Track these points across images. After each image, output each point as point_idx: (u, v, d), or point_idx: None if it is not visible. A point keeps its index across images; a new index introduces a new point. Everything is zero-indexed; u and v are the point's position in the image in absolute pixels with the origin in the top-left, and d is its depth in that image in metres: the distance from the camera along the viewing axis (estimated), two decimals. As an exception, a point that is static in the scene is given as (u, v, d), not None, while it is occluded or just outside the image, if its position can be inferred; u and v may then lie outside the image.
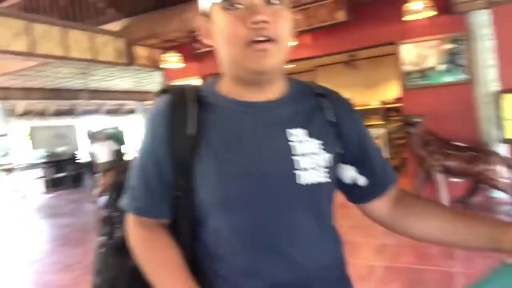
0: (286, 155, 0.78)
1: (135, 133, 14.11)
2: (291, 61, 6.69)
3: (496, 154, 4.23)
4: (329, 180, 0.81)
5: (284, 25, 0.76)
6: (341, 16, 5.15)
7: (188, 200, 0.79)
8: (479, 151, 4.27)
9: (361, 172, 0.89)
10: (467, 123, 4.85)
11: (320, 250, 0.81)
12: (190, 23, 5.80)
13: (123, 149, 9.64)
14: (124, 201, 0.86)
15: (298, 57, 6.11)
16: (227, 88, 0.84)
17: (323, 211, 0.83)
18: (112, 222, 0.97)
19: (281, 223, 0.78)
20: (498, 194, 4.34)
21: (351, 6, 5.22)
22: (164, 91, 0.85)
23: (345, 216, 3.99)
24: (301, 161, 0.78)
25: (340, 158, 0.86)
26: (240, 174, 0.77)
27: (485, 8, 4.76)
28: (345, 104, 0.90)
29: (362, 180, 0.89)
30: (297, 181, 0.77)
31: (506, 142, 4.53)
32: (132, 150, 10.49)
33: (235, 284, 0.78)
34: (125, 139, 13.99)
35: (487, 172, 4.08)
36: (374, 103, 9.53)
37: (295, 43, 5.94)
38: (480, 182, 4.26)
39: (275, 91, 0.83)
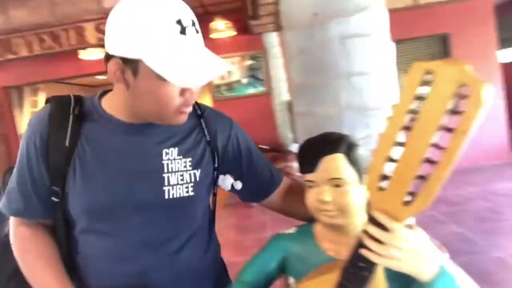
0: (157, 172, 0.86)
1: None
2: (100, 73, 6.46)
3: (292, 152, 5.06)
4: (192, 194, 0.89)
5: (199, 89, 0.85)
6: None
7: (62, 205, 0.85)
8: (279, 151, 5.05)
9: (240, 178, 1.00)
10: (268, 128, 5.64)
11: (179, 257, 0.89)
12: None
13: None
14: (2, 203, 0.90)
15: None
16: (112, 108, 0.88)
17: (189, 222, 0.92)
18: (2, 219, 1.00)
19: (143, 235, 0.86)
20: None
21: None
22: (48, 101, 0.89)
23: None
24: (170, 178, 0.87)
25: (216, 170, 0.96)
26: (105, 188, 0.83)
27: (274, 31, 5.65)
28: (220, 122, 0.99)
29: (238, 185, 1.00)
30: (165, 197, 0.86)
31: (298, 142, 5.47)
32: None
33: (93, 281, 0.87)
34: None
35: (287, 168, 4.85)
36: (191, 114, 9.95)
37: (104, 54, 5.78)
38: (282, 177, 5.01)
39: None
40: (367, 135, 1.07)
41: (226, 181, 1.00)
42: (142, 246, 0.86)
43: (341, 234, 0.86)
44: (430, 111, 0.57)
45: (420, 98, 0.59)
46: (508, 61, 8.13)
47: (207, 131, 0.95)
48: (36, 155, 0.84)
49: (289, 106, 5.46)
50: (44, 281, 0.84)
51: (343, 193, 0.81)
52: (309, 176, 0.83)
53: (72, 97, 0.89)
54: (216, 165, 0.96)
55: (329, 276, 0.76)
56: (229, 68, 0.82)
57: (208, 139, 0.95)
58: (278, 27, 5.58)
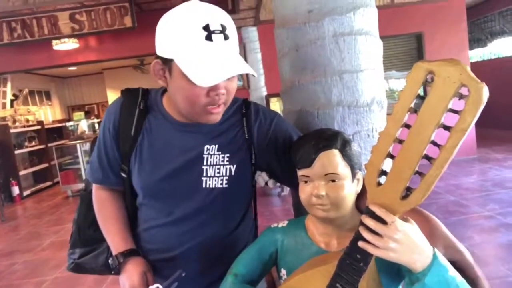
0: (198, 164, 1.00)
1: None
2: (74, 64, 6.29)
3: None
4: (226, 186, 1.00)
5: (233, 92, 0.93)
6: (128, 22, 5.15)
7: (129, 180, 1.05)
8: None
9: (276, 176, 1.09)
10: (246, 123, 5.65)
11: (206, 233, 1.02)
12: None
13: None
14: (87, 171, 1.14)
15: (84, 60, 5.83)
16: (170, 106, 1.02)
17: (223, 209, 1.03)
18: None
19: (180, 212, 1.01)
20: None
21: (137, 13, 5.29)
22: (122, 92, 1.06)
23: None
24: (208, 170, 1.00)
25: (254, 166, 1.04)
26: (155, 172, 1.00)
27: (253, 25, 5.65)
28: (261, 121, 1.04)
29: (271, 183, 1.10)
30: (202, 186, 1.00)
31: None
32: None
33: (145, 236, 1.08)
34: None
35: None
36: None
37: (78, 45, 5.64)
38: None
39: None
40: (356, 132, 1.10)
41: (260, 178, 1.06)
42: (177, 223, 1.01)
43: (333, 227, 0.88)
44: (431, 109, 0.59)
45: (420, 97, 0.61)
46: (475, 60, 8.45)
47: (246, 129, 1.03)
48: (110, 139, 1.04)
49: (267, 101, 5.48)
50: (111, 234, 1.07)
51: (338, 187, 0.83)
52: (305, 171, 0.85)
53: (140, 91, 1.05)
54: (253, 161, 1.04)
55: (322, 268, 0.78)
56: (246, 71, 0.87)
57: (247, 137, 1.03)
58: (257, 22, 5.57)
